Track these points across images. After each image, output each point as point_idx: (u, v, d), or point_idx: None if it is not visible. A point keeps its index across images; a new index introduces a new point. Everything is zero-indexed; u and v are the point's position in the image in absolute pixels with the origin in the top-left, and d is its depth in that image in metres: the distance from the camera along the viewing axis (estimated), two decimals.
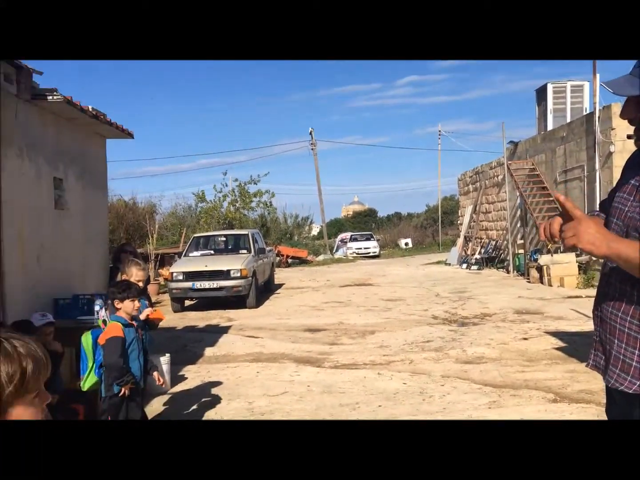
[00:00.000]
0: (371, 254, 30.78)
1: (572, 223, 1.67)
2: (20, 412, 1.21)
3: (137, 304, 4.07)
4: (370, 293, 14.51)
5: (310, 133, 33.15)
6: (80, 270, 6.68)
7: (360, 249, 31.29)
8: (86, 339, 4.17)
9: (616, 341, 1.75)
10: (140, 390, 4.20)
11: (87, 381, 4.13)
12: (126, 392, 3.94)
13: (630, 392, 1.72)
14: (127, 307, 4.03)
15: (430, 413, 5.09)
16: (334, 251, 32.72)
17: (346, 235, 35.12)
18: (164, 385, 4.68)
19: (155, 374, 4.31)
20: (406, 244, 36.85)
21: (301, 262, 26.80)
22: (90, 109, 6.42)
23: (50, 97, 5.63)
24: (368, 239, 32.49)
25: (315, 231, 44.52)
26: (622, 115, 1.80)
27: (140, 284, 4.39)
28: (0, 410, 1.18)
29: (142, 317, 4.26)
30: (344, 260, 28.60)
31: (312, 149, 33.20)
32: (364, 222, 51.88)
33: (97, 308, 5.43)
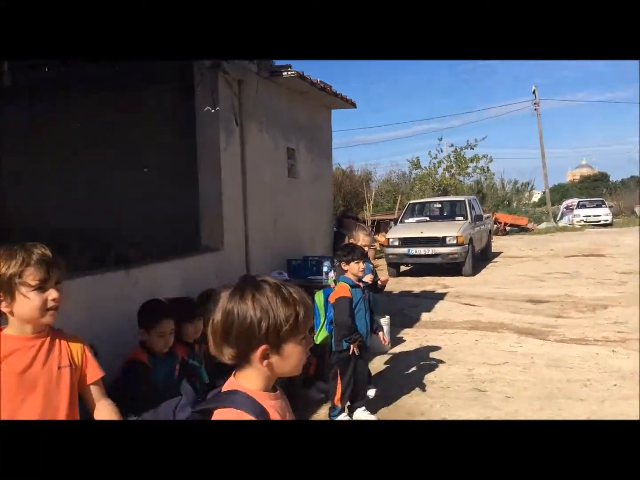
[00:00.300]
0: (602, 223, 27.96)
1: None
2: (292, 349, 1.40)
3: (362, 265, 4.27)
4: (601, 265, 13.28)
5: (534, 92, 30.98)
6: (309, 235, 7.20)
7: (589, 216, 28.58)
8: (318, 297, 4.50)
9: None
10: (367, 347, 4.44)
11: (319, 335, 4.48)
12: (355, 349, 4.20)
13: None
14: (352, 268, 4.25)
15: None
16: (557, 219, 30.45)
17: (572, 201, 32.37)
18: (388, 345, 4.87)
19: (380, 333, 4.51)
20: None
21: (520, 230, 25.46)
22: (318, 82, 6.79)
23: (285, 73, 6.08)
24: (599, 206, 29.54)
25: (536, 198, 41.86)
26: None
27: (366, 248, 4.60)
28: (278, 344, 1.38)
29: (366, 279, 4.47)
30: (569, 229, 26.47)
31: (535, 109, 31.05)
32: (593, 187, 47.32)
33: (325, 269, 5.82)
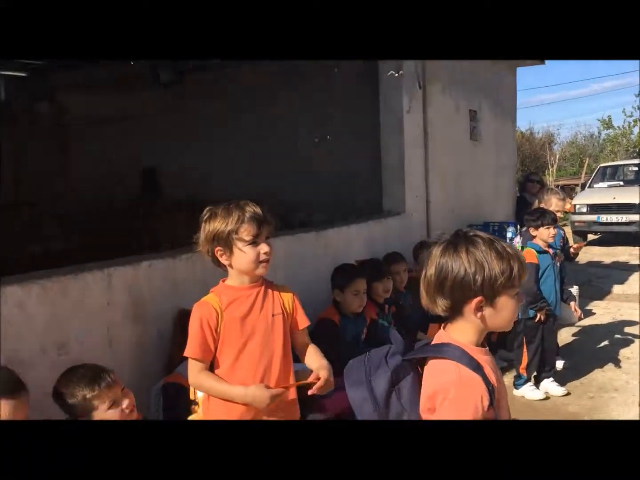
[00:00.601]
0: None
1: None
2: (505, 303, 1.44)
3: (552, 231, 4.07)
4: None
5: None
6: (491, 199, 6.99)
7: None
8: None
9: None
10: (556, 317, 4.25)
11: None
12: (541, 317, 4.05)
13: None
14: (542, 234, 4.08)
15: None
16: None
17: None
18: (580, 315, 4.60)
19: (572, 303, 4.30)
20: None
21: None
22: None
23: None
24: None
25: None
26: None
27: (559, 214, 4.37)
28: (492, 296, 1.43)
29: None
30: None
31: None
32: None
33: (509, 235, 5.63)
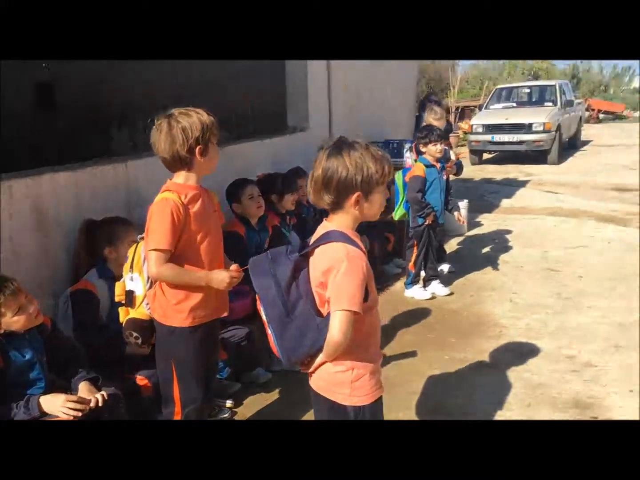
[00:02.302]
0: None
1: None
2: (376, 197, 1.73)
3: (439, 147, 4.40)
4: None
5: None
6: (392, 118, 7.26)
7: None
8: (398, 177, 4.71)
9: None
10: (441, 224, 4.67)
11: (397, 212, 4.74)
12: (429, 221, 4.45)
13: None
14: (429, 150, 4.41)
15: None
16: None
17: None
18: (463, 223, 5.07)
19: (456, 213, 4.71)
20: None
21: (615, 117, 23.90)
22: None
23: None
24: None
25: (638, 83, 38.56)
26: None
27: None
28: (368, 192, 1.70)
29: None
30: None
31: None
32: None
33: (405, 151, 5.96)
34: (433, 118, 5.02)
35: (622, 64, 32.47)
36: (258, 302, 1.78)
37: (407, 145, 5.89)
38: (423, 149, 4.44)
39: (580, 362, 3.51)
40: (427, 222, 4.45)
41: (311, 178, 1.75)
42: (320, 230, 1.78)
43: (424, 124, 5.07)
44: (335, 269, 1.65)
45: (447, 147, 4.87)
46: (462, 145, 14.65)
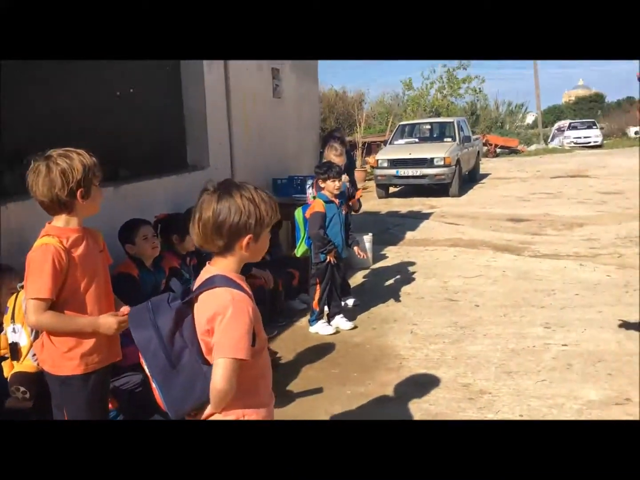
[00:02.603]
0: (592, 144, 27.96)
1: None
2: (264, 238, 1.74)
3: (337, 184, 4.49)
4: (584, 185, 13.54)
5: None
6: (295, 155, 7.36)
7: (579, 138, 28.52)
8: (298, 214, 4.76)
9: None
10: (343, 259, 4.74)
11: (299, 249, 4.77)
12: (331, 259, 4.51)
13: None
14: (328, 186, 4.50)
15: (631, 304, 4.92)
16: (549, 141, 30.39)
17: (564, 123, 32.15)
18: (364, 257, 5.16)
19: (355, 247, 4.79)
20: (636, 133, 32.64)
21: (511, 151, 25.52)
22: None
23: None
24: (589, 127, 29.39)
25: (530, 119, 41.48)
26: None
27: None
28: (259, 234, 1.70)
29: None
30: (559, 151, 26.52)
31: None
32: (588, 108, 46.73)
33: (307, 187, 6.04)
34: (334, 155, 5.13)
35: (516, 101, 34.88)
36: (140, 356, 1.71)
37: (309, 182, 5.98)
38: (322, 185, 4.52)
39: (475, 389, 3.63)
40: (329, 259, 4.51)
41: (197, 221, 1.69)
42: (204, 274, 1.74)
43: (325, 160, 5.18)
44: (220, 315, 1.61)
45: (346, 183, 4.98)
46: (370, 180, 15.11)
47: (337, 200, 4.54)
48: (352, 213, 5.13)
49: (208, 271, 1.73)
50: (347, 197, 4.82)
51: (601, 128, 30.40)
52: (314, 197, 4.74)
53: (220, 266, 1.72)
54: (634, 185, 12.57)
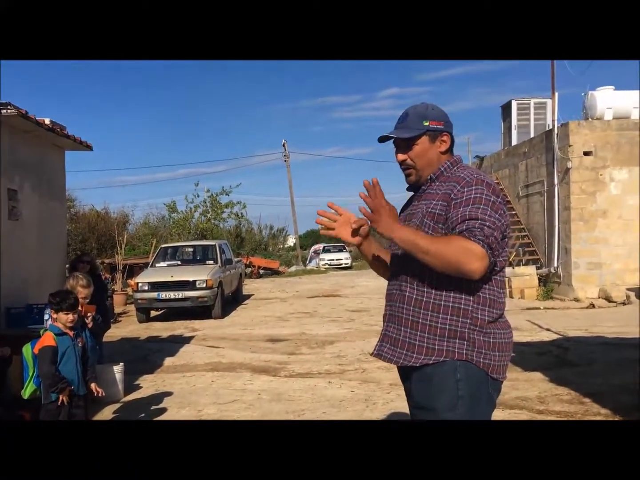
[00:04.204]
0: (343, 265, 30.97)
1: (379, 210, 2.07)
2: None
3: (71, 317, 4.10)
4: (336, 304, 14.67)
5: (283, 145, 33.35)
6: (37, 279, 6.74)
7: (332, 260, 31.46)
8: (26, 349, 4.24)
9: (402, 328, 2.15)
10: (83, 397, 4.28)
11: (27, 389, 4.20)
12: (64, 399, 4.03)
13: (417, 364, 2.10)
14: (60, 318, 4.11)
15: (370, 418, 5.25)
16: (307, 262, 32.83)
17: (319, 246, 35.26)
18: (101, 393, 4.63)
19: (92, 385, 4.30)
20: None
21: (273, 273, 26.89)
22: (46, 122, 6.51)
23: (5, 111, 5.72)
24: (340, 251, 32.64)
25: (291, 242, 44.65)
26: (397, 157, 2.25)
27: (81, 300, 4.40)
28: None
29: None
30: (316, 272, 28.72)
31: (285, 160, 33.40)
32: None
33: (46, 317, 5.51)
34: (80, 286, 4.70)
35: (277, 225, 37.33)
36: None
37: (47, 310, 5.46)
38: (54, 316, 4.13)
39: None
40: (62, 398, 4.03)
41: None
42: None
43: (67, 288, 4.76)
44: None
45: (86, 315, 4.59)
46: (131, 303, 14.46)
47: (71, 332, 4.17)
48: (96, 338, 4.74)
49: None
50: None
51: (350, 251, 33.89)
52: (45, 330, 4.29)
53: None
54: (376, 304, 14.02)
